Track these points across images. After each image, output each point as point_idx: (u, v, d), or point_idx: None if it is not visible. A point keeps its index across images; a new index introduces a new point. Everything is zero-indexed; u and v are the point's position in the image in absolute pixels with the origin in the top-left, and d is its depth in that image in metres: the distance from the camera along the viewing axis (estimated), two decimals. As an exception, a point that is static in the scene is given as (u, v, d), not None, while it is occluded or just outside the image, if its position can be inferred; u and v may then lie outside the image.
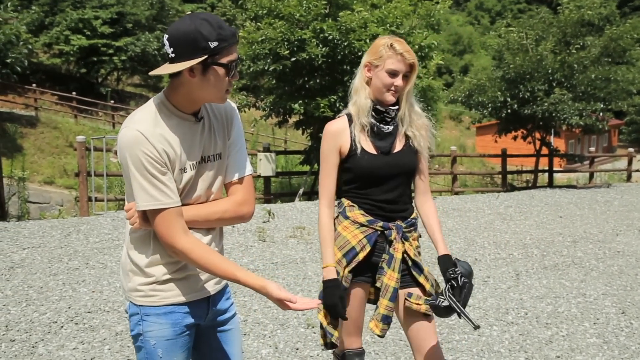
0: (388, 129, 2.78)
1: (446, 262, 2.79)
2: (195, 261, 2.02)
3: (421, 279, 2.85)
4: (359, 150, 2.74)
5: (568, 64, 16.00)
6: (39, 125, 24.36)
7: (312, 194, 14.12)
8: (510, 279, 6.81)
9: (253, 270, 6.99)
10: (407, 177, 2.85)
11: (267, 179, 13.55)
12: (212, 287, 2.21)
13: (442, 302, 2.71)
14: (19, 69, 9.14)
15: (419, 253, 2.88)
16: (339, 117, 2.87)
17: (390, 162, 2.76)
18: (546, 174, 18.82)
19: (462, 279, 2.70)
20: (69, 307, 5.56)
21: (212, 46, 1.94)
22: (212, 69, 1.98)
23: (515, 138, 18.01)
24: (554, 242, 8.82)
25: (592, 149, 23.54)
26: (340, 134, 2.77)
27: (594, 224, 10.34)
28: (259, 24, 12.72)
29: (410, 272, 2.83)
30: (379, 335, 2.82)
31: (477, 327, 2.65)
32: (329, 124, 2.84)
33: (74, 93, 29.38)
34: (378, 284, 2.79)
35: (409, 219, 2.85)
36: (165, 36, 2.00)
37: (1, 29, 8.94)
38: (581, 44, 16.44)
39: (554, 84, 16.01)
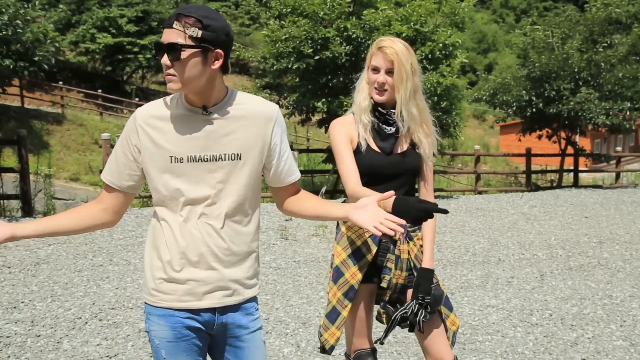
0: (390, 129, 2.76)
1: (423, 279, 2.74)
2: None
3: None
4: (363, 148, 2.74)
5: (595, 62, 15.79)
6: (65, 123, 24.62)
7: (334, 192, 14.10)
8: (535, 279, 6.74)
9: (275, 268, 7.01)
10: (410, 177, 2.83)
11: (289, 177, 13.54)
12: (218, 298, 2.11)
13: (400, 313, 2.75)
14: (46, 67, 9.23)
15: (422, 252, 2.85)
16: (344, 116, 2.89)
17: (393, 161, 2.76)
18: (571, 174, 18.60)
19: (424, 314, 2.69)
20: (93, 304, 5.61)
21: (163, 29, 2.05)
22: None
23: (540, 137, 17.82)
24: (580, 242, 8.72)
25: (619, 148, 23.22)
26: (349, 126, 2.79)
27: (620, 225, 10.20)
28: (282, 22, 12.73)
29: (412, 272, 2.83)
30: (377, 320, 2.86)
31: (381, 343, 2.83)
32: (336, 119, 2.85)
33: (99, 91, 29.64)
34: (384, 284, 2.78)
35: None
36: None
37: (29, 27, 9.04)
38: (608, 42, 16.22)
39: (580, 83, 15.82)
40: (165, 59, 1.97)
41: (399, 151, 2.79)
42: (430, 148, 2.84)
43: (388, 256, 2.77)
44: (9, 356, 4.44)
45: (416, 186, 2.94)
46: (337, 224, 2.88)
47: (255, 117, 2.13)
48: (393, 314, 2.75)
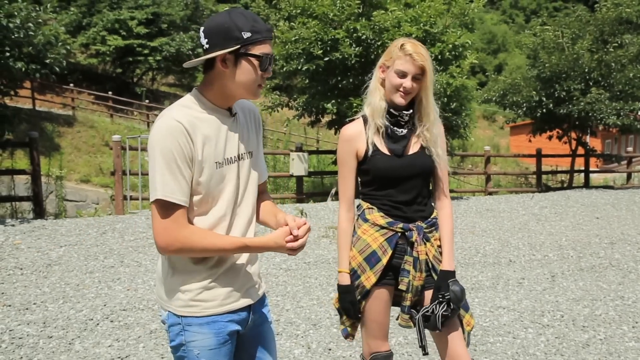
0: (402, 131, 2.76)
1: (443, 280, 2.76)
2: (197, 247, 1.98)
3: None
4: (375, 152, 2.74)
5: (605, 62, 15.72)
6: (75, 125, 24.74)
7: (344, 194, 14.07)
8: (546, 280, 6.72)
9: (285, 270, 7.02)
10: (424, 178, 2.82)
11: (299, 179, 13.59)
12: (252, 295, 2.19)
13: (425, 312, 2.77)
14: (57, 69, 9.28)
15: (440, 254, 2.84)
16: (354, 119, 2.87)
17: (405, 163, 2.75)
18: (582, 175, 18.51)
19: (446, 308, 2.70)
20: (105, 305, 5.64)
21: (244, 36, 1.96)
22: (244, 59, 1.99)
23: (550, 138, 17.76)
24: (591, 243, 8.68)
25: (630, 149, 23.12)
26: (357, 137, 2.78)
27: (632, 226, 10.15)
28: (292, 23, 12.75)
29: (431, 273, 2.81)
30: (402, 326, 2.83)
31: (424, 352, 2.82)
32: (345, 127, 2.84)
33: (110, 93, 29.75)
34: (402, 287, 2.76)
35: (429, 219, 2.83)
36: (202, 28, 2.03)
37: (41, 30, 9.10)
38: (619, 42, 16.14)
39: (591, 83, 15.75)
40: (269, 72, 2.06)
41: (410, 153, 2.78)
42: (442, 149, 2.84)
43: (405, 258, 2.76)
44: (21, 357, 4.47)
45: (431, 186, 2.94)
46: (353, 227, 2.86)
47: (249, 113, 2.24)
48: (416, 315, 2.76)
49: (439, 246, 2.84)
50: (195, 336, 2.07)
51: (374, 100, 2.76)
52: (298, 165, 13.10)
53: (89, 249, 7.80)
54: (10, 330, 4.96)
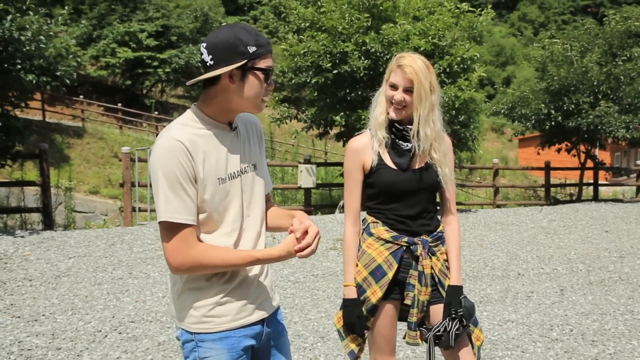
0: (407, 145, 2.75)
1: (453, 296, 2.74)
2: (209, 265, 1.98)
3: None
4: (380, 166, 2.75)
5: (614, 75, 15.70)
6: (85, 136, 24.88)
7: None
8: (555, 294, 6.69)
9: (294, 282, 7.02)
10: (429, 193, 2.80)
11: (307, 191, 13.60)
12: (265, 309, 2.18)
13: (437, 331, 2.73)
14: (68, 81, 9.35)
15: (447, 268, 2.82)
16: (362, 132, 2.88)
17: (411, 178, 2.74)
18: (591, 188, 18.44)
19: (458, 326, 2.68)
20: (113, 317, 5.65)
21: (250, 51, 1.97)
22: (251, 73, 2.00)
23: (559, 150, 17.73)
24: (600, 257, 8.64)
25: (639, 162, 23.01)
26: (363, 151, 2.78)
27: (641, 240, 10.10)
28: (301, 36, 12.81)
29: (437, 287, 2.80)
30: (409, 343, 2.80)
31: None
32: (352, 140, 2.84)
33: (119, 104, 29.94)
34: (407, 302, 2.75)
35: (434, 233, 2.81)
36: (203, 44, 2.01)
37: (52, 43, 9.17)
38: (628, 55, 16.13)
39: (600, 96, 15.72)
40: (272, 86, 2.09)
41: (416, 167, 2.77)
42: (449, 166, 2.82)
43: (410, 272, 2.75)
44: (30, 368, 4.48)
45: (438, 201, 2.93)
46: (359, 242, 2.86)
47: (251, 125, 2.25)
48: (427, 334, 2.74)
49: (446, 260, 2.83)
50: (209, 352, 2.06)
51: (375, 112, 2.79)
52: (306, 178, 13.11)
53: (98, 260, 7.82)
54: (19, 342, 4.98)
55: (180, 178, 1.93)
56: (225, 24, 2.12)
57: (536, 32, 74.31)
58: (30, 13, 9.01)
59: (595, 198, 17.75)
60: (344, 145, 14.43)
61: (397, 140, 2.76)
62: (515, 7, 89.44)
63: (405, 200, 2.76)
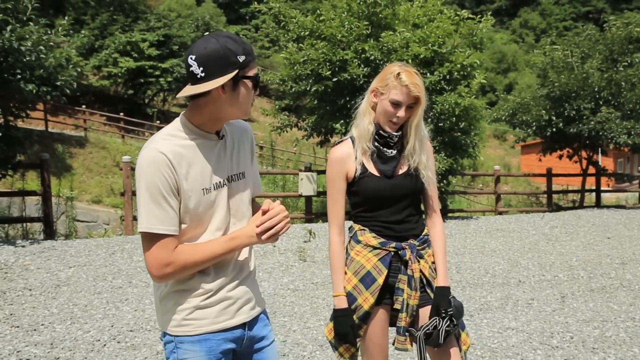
0: (391, 152, 2.76)
1: (441, 297, 2.74)
2: (189, 264, 2.00)
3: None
4: (364, 174, 2.75)
5: (615, 81, 15.70)
6: (87, 146, 24.93)
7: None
8: (556, 301, 6.66)
9: (293, 290, 7.00)
10: (413, 198, 2.82)
11: (308, 199, 13.59)
12: (247, 312, 2.19)
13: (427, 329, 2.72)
14: (68, 91, 9.38)
15: (434, 270, 2.83)
16: (343, 140, 2.86)
17: (396, 184, 2.75)
18: (594, 194, 18.40)
19: (449, 324, 2.68)
20: (112, 326, 5.64)
21: (240, 60, 1.98)
22: (241, 83, 2.02)
23: (560, 157, 17.71)
24: (602, 263, 8.61)
25: (642, 168, 22.97)
26: (346, 160, 2.77)
27: (643, 246, 10.06)
28: (300, 45, 12.84)
29: (425, 289, 2.80)
30: (398, 349, 2.78)
31: None
32: (334, 149, 2.83)
33: (121, 114, 29.99)
34: (397, 306, 2.74)
35: (421, 236, 2.82)
36: (192, 56, 1.99)
37: (52, 53, 9.21)
38: (629, 61, 16.12)
39: (601, 102, 15.71)
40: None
41: (400, 173, 2.78)
42: (431, 169, 2.84)
43: (399, 277, 2.74)
44: (28, 378, 4.47)
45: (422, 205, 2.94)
46: (346, 249, 2.85)
47: (242, 132, 2.25)
48: (417, 333, 2.73)
49: (433, 262, 2.84)
50: (188, 354, 2.09)
51: (363, 123, 2.77)
52: (307, 185, 13.11)
53: (98, 269, 7.82)
54: (18, 352, 4.97)
55: (162, 190, 1.96)
56: (207, 33, 2.12)
57: (538, 39, 74.33)
58: (31, 24, 9.05)
59: (598, 204, 17.71)
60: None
61: (381, 148, 2.76)
62: (517, 13, 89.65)
63: (391, 207, 2.77)
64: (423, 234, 2.85)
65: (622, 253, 9.38)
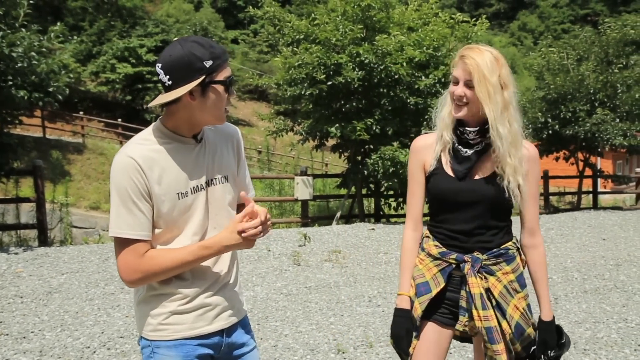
0: (466, 152, 2.45)
1: (547, 333, 2.50)
2: (159, 270, 1.98)
3: (504, 325, 2.46)
4: (437, 170, 2.50)
5: (611, 83, 15.70)
6: (85, 152, 24.93)
7: (349, 217, 14.07)
8: (548, 303, 6.63)
9: (286, 295, 6.98)
10: (489, 207, 2.45)
11: (304, 203, 13.57)
12: (225, 319, 2.16)
13: None
14: (60, 97, 9.36)
15: (514, 289, 2.48)
16: (428, 132, 2.65)
17: (466, 188, 2.44)
18: (591, 196, 18.38)
19: None
20: (102, 332, 5.62)
21: (207, 65, 1.95)
22: (210, 88, 1.99)
23: (557, 159, 17.70)
24: (596, 265, 8.58)
25: (639, 169, 22.96)
26: (425, 150, 2.55)
27: (638, 247, 10.04)
28: (295, 49, 12.84)
29: (495, 312, 2.45)
30: (457, 336, 2.59)
31: None
32: (416, 139, 2.62)
33: (119, 120, 30.04)
34: (459, 327, 2.50)
35: (494, 250, 2.48)
36: (159, 65, 1.99)
37: (44, 59, 9.20)
38: (624, 63, 16.13)
39: (596, 104, 15.72)
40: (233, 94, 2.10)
41: (476, 177, 2.46)
42: (523, 176, 2.45)
43: (461, 293, 2.50)
44: (14, 386, 4.45)
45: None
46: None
47: (226, 137, 2.22)
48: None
49: (511, 282, 2.48)
50: (164, 358, 2.08)
51: (443, 113, 2.51)
52: (303, 190, 13.09)
53: (91, 275, 7.79)
54: None
55: (132, 194, 1.95)
56: (175, 39, 2.10)
57: (536, 42, 74.41)
58: (23, 30, 9.04)
59: (595, 206, 17.70)
60: (340, 156, 14.43)
61: (458, 146, 2.47)
62: (515, 16, 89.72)
63: (459, 213, 2.48)
64: (501, 247, 2.50)
65: (617, 254, 9.35)
